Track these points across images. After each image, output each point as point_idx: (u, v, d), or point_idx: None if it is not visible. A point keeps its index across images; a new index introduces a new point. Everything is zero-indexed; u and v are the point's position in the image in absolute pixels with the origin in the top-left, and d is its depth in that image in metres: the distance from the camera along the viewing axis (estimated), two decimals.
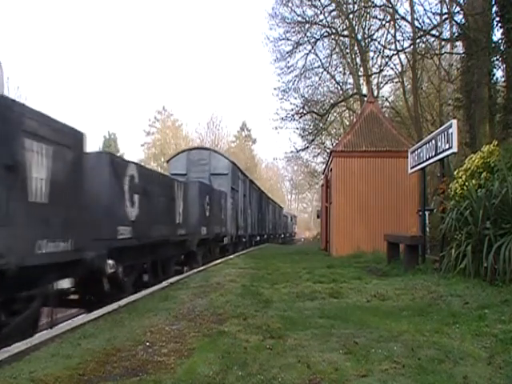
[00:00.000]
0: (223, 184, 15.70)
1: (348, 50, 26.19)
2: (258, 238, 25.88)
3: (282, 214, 46.36)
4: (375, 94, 24.80)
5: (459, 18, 17.09)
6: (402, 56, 22.94)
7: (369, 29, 24.57)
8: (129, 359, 3.28)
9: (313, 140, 29.28)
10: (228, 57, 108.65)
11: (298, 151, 30.53)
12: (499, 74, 15.68)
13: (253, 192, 23.57)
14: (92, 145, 49.72)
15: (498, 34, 17.34)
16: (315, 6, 23.77)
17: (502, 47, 13.52)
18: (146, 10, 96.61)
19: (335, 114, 30.39)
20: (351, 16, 23.09)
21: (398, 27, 21.67)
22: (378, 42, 23.84)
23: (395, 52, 21.86)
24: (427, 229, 9.55)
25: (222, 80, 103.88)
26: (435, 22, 18.81)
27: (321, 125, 28.13)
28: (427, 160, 8.47)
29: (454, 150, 7.26)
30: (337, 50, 26.30)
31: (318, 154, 34.72)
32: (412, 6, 19.86)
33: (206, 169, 15.81)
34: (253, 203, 23.23)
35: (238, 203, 18.45)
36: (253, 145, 66.89)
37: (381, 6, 21.79)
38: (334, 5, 23.03)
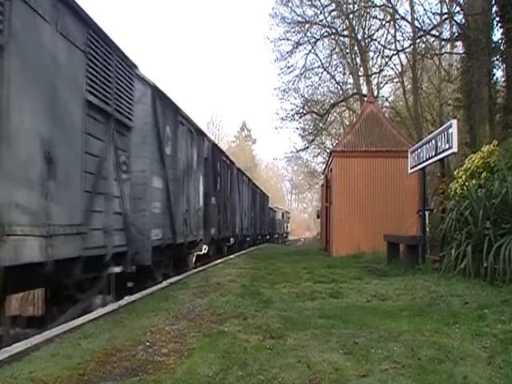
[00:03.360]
0: None
1: (348, 50, 26.22)
2: (221, 243, 14.15)
3: (268, 207, 34.43)
4: (375, 94, 24.83)
5: (459, 18, 17.12)
6: (402, 56, 23.00)
7: (369, 29, 24.64)
8: (129, 359, 3.27)
9: (313, 140, 29.30)
10: (228, 57, 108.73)
11: (297, 151, 30.61)
12: (499, 73, 15.70)
13: (189, 142, 10.02)
14: None
15: (498, 34, 17.38)
16: (315, 6, 23.81)
17: (502, 47, 13.51)
18: (145, 10, 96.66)
19: (335, 114, 30.42)
20: (351, 16, 23.12)
21: (398, 27, 21.75)
22: (378, 42, 23.91)
23: (395, 52, 21.90)
24: (427, 229, 9.55)
25: (222, 80, 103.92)
26: (435, 22, 18.85)
27: (321, 125, 28.14)
28: (427, 160, 8.47)
29: (454, 149, 7.26)
30: (337, 49, 26.35)
31: (318, 153, 34.87)
32: (412, 6, 19.92)
33: None
34: (194, 171, 10.49)
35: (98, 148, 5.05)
36: (253, 145, 67.08)
37: (381, 6, 21.82)
38: (334, 5, 23.05)
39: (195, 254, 10.91)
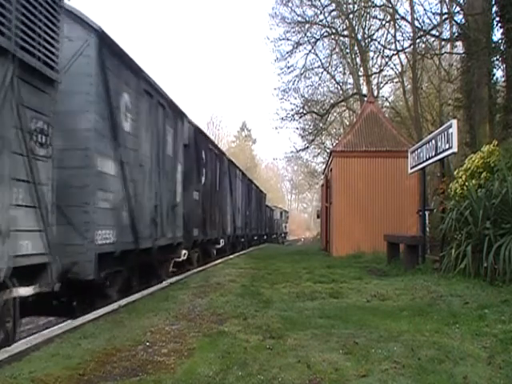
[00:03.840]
0: None
1: (348, 50, 26.24)
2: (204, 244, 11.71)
3: (265, 205, 31.60)
4: (375, 94, 24.85)
5: (459, 18, 17.14)
6: (402, 56, 23.03)
7: (369, 29, 24.67)
8: (129, 359, 3.27)
9: (313, 140, 29.33)
10: (228, 57, 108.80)
11: (297, 151, 30.66)
12: (499, 73, 15.71)
13: (160, 120, 7.70)
14: None
15: (498, 34, 17.38)
16: (315, 6, 23.82)
17: (502, 47, 13.52)
18: (145, 10, 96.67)
19: (335, 114, 30.45)
20: (351, 16, 23.13)
21: (398, 27, 21.78)
22: (378, 42, 23.94)
23: (395, 52, 21.93)
24: (427, 229, 9.55)
25: (222, 80, 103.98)
26: (435, 22, 18.87)
27: (321, 125, 28.16)
28: (427, 160, 8.47)
29: (454, 149, 7.27)
30: (337, 49, 26.37)
31: (318, 153, 34.91)
32: (412, 5, 19.94)
33: None
34: (169, 158, 8.27)
35: None
36: (253, 145, 67.12)
37: (381, 6, 21.84)
38: (334, 5, 23.06)
39: (172, 261, 8.72)
